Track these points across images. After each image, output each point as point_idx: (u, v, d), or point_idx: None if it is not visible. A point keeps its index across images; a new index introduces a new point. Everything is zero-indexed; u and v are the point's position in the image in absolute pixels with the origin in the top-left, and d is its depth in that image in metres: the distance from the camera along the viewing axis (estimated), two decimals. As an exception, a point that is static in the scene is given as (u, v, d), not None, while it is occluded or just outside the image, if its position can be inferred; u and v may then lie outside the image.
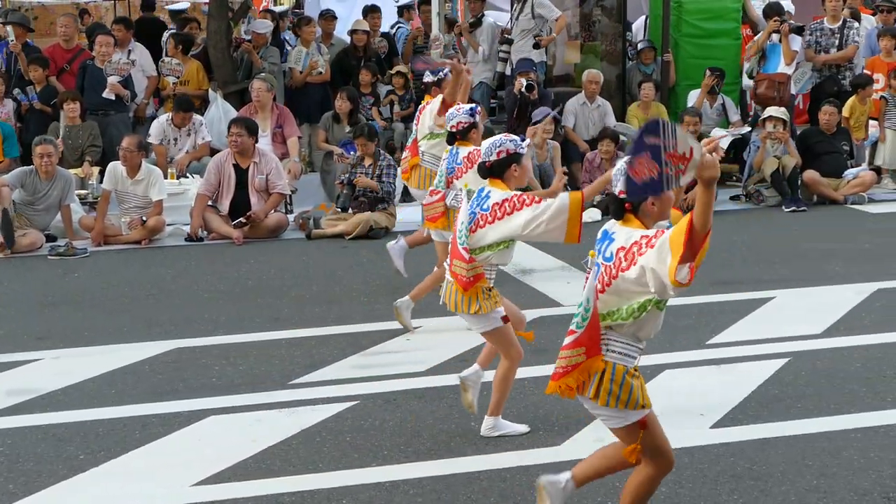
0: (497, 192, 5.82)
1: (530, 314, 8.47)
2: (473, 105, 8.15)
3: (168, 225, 11.57)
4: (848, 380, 6.99)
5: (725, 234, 11.47)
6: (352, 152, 12.27)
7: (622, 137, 13.61)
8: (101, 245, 11.13)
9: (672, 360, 7.40)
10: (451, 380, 7.06)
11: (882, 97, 14.00)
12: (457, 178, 7.76)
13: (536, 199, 5.71)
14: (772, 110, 13.17)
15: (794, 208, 12.44)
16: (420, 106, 9.61)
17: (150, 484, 5.57)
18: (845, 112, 13.84)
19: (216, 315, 8.67)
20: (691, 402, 6.64)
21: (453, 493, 5.44)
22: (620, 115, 14.51)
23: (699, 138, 12.47)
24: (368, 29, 15.41)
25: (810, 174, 12.86)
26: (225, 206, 11.51)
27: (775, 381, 6.97)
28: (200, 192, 11.53)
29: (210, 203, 11.56)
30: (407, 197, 13.02)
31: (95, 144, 12.84)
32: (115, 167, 11.35)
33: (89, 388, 7.01)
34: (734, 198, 13.20)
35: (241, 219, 11.32)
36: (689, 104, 14.23)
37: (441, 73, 9.67)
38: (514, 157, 5.89)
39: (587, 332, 4.47)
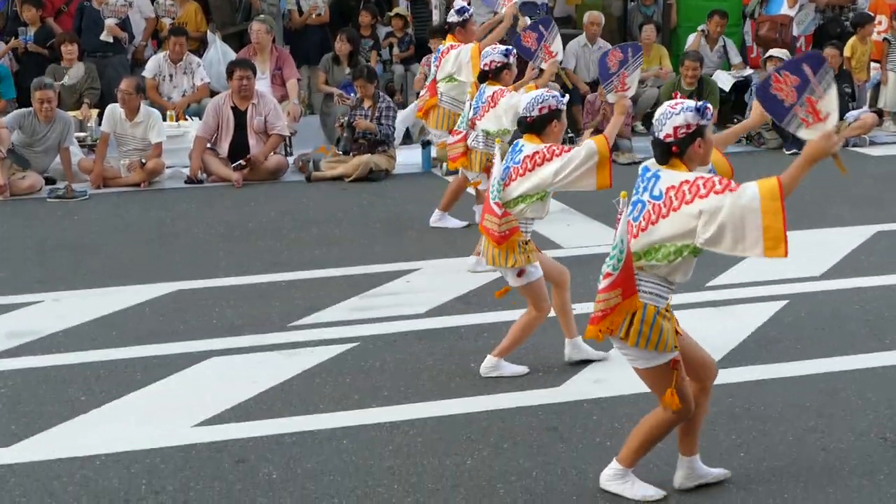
0: (529, 146, 5.89)
1: (530, 256, 8.50)
2: (509, 46, 8.33)
3: (167, 167, 11.54)
4: (846, 321, 7.01)
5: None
6: (352, 94, 12.22)
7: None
8: (101, 188, 11.11)
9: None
10: (450, 321, 7.09)
11: (885, 39, 13.91)
12: (479, 118, 8.02)
13: (566, 149, 5.79)
14: (774, 51, 13.10)
15: (794, 150, 12.38)
16: (442, 48, 9.58)
17: (151, 425, 5.60)
18: (846, 52, 13.76)
19: (216, 257, 8.67)
20: (690, 343, 6.66)
21: (453, 433, 5.47)
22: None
23: (700, 81, 12.44)
24: (367, -30, 15.27)
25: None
26: (224, 148, 11.48)
27: (774, 323, 6.99)
28: (199, 134, 11.49)
29: (209, 145, 11.53)
30: (407, 139, 13.00)
31: (94, 87, 12.78)
32: (114, 109, 11.30)
33: (90, 331, 7.03)
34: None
35: (241, 161, 11.29)
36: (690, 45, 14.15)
37: (466, 14, 9.57)
38: (555, 114, 5.93)
39: (622, 273, 4.45)
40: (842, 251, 8.52)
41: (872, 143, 12.81)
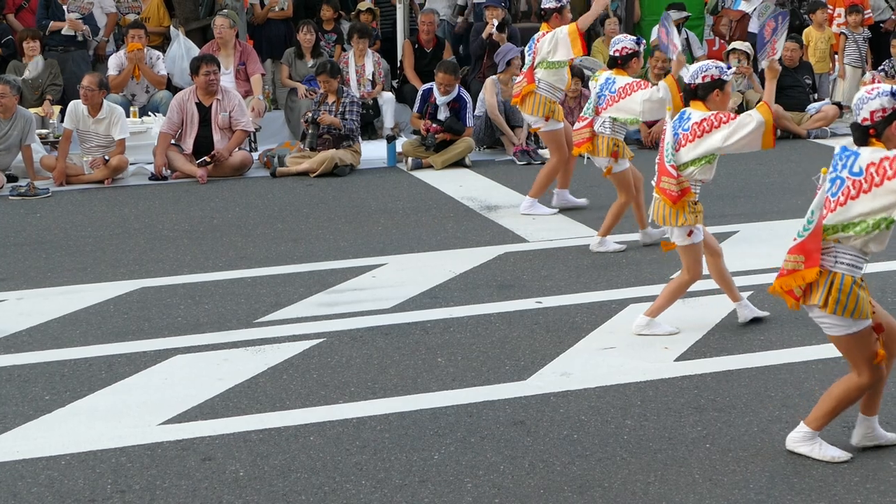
0: (697, 113, 6.32)
1: (495, 250, 8.54)
2: (639, 36, 8.78)
3: (131, 164, 11.46)
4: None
5: (587, 178, 11.49)
6: (316, 88, 12.19)
7: (587, 73, 13.57)
8: (64, 185, 11.02)
9: (638, 294, 7.45)
10: (417, 316, 7.09)
11: (841, 33, 14.04)
12: (607, 107, 8.20)
13: (732, 116, 6.27)
14: (736, 44, 13.19)
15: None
16: (537, 35, 9.64)
17: (117, 423, 5.57)
18: (805, 41, 13.87)
19: (181, 254, 8.63)
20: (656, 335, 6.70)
21: (420, 428, 5.47)
22: (586, 51, 14.44)
23: (665, 73, 12.57)
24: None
25: (774, 108, 12.89)
26: (188, 144, 11.42)
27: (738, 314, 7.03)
28: (163, 130, 11.43)
29: (173, 142, 11.46)
30: (373, 135, 12.99)
31: (56, 83, 12.68)
32: (76, 106, 11.21)
33: (53, 329, 6.97)
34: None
35: (206, 157, 11.24)
36: (652, 39, 14.18)
37: (564, 0, 9.69)
38: (718, 83, 6.34)
39: (808, 240, 4.81)
40: (805, 242, 8.57)
41: (834, 135, 12.91)
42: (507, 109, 12.22)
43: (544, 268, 8.11)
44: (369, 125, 12.98)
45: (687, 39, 14.46)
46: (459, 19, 14.94)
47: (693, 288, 7.51)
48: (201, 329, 6.93)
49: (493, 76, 12.41)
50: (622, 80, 8.19)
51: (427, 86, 12.18)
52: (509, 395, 5.85)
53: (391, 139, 12.10)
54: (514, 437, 5.36)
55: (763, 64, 6.59)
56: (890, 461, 5.03)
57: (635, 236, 8.72)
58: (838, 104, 13.63)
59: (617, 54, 8.29)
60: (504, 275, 7.96)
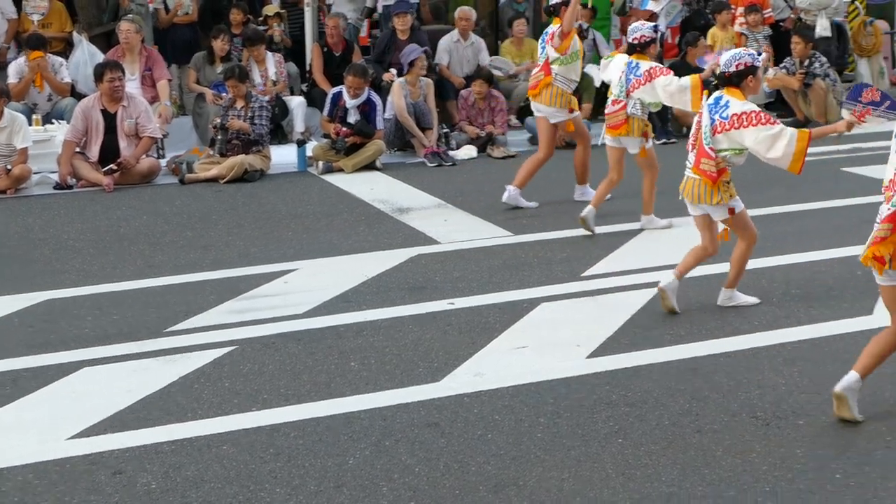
0: (736, 103, 6.66)
1: (407, 252, 8.54)
2: (656, 23, 9.16)
3: (35, 173, 11.26)
4: (716, 306, 7.17)
5: (598, 167, 11.61)
6: (224, 94, 12.09)
7: (497, 73, 13.65)
8: (-35, 196, 10.79)
9: (548, 293, 7.50)
10: (330, 321, 7.06)
11: (742, 33, 14.30)
12: (633, 90, 8.70)
13: (772, 120, 6.63)
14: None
15: (664, 140, 12.64)
16: (550, 30, 9.90)
17: (24, 438, 5.45)
18: (709, 40, 14.10)
19: (87, 264, 8.49)
20: (568, 333, 6.75)
21: (334, 433, 5.45)
22: (494, 52, 14.54)
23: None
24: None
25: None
26: (94, 152, 11.25)
27: (648, 310, 7.12)
28: (67, 138, 11.24)
29: (78, 150, 11.28)
30: (282, 139, 12.91)
31: (-46, 92, 12.39)
32: (-24, 115, 10.98)
33: (-43, 344, 6.82)
34: (608, 131, 13.35)
35: (112, 165, 11.07)
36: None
37: None
38: (750, 70, 6.71)
39: None
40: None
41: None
42: (416, 111, 12.24)
43: (456, 269, 8.13)
44: (279, 129, 12.90)
45: (594, 40, 14.60)
46: (366, 22, 14.95)
47: (603, 285, 7.62)
48: (110, 340, 6.82)
49: (401, 78, 12.42)
50: (645, 63, 8.66)
51: (336, 89, 12.15)
52: (423, 396, 5.85)
53: (301, 143, 12.04)
54: (428, 438, 5.36)
55: (844, 113, 7.04)
56: (797, 449, 5.12)
57: (572, 232, 8.82)
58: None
59: (635, 42, 8.77)
60: (416, 277, 7.96)
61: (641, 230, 9.02)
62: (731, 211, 6.93)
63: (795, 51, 13.96)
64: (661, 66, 8.87)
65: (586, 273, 7.94)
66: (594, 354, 6.41)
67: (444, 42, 13.84)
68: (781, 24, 15.59)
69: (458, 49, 13.89)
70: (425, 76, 12.53)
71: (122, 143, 11.24)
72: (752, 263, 8.00)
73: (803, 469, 4.95)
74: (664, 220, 9.05)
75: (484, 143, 12.44)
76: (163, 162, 11.84)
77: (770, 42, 15.00)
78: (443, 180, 11.17)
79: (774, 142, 6.55)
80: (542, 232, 8.93)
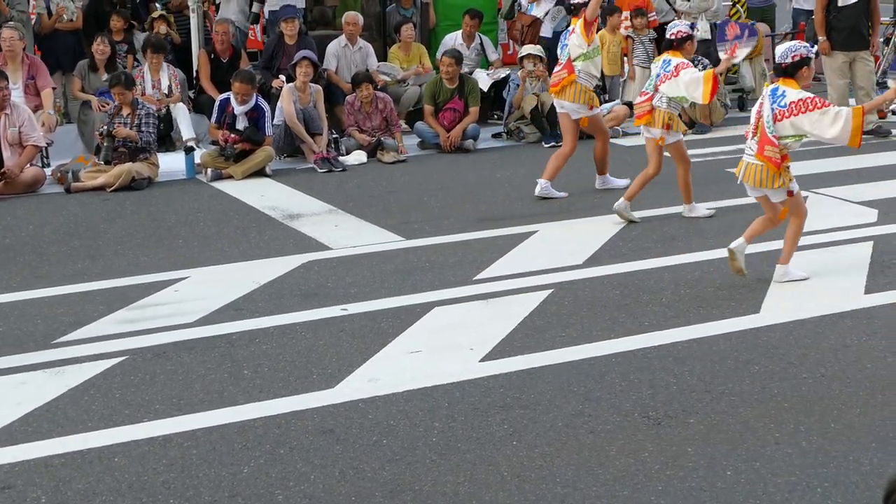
0: (792, 92, 7.22)
1: (299, 259, 8.51)
2: (695, 22, 9.91)
3: (-87, 184, 10.94)
4: (608, 307, 7.29)
5: (487, 171, 11.72)
6: (110, 101, 11.88)
7: (384, 78, 13.67)
8: None
9: (441, 297, 7.54)
10: (221, 329, 7.00)
11: (628, 36, 14.54)
12: (662, 83, 9.20)
13: (826, 103, 7.23)
14: (528, 48, 13.48)
15: (553, 144, 12.77)
16: (570, 28, 10.41)
17: None
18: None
19: (-29, 276, 8.28)
20: (461, 336, 6.79)
21: (228, 442, 5.40)
22: (382, 57, 14.55)
23: (461, 80, 13.09)
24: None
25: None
26: (-25, 162, 10.97)
27: (540, 312, 7.20)
28: (-53, 148, 10.95)
29: (-42, 159, 10.99)
30: (170, 147, 12.73)
31: None
32: None
33: None
34: (496, 135, 13.48)
35: (-6, 174, 10.82)
36: (448, 44, 14.36)
37: None
38: (805, 61, 7.30)
39: None
40: (601, 239, 8.85)
41: (625, 134, 13.33)
42: (306, 117, 12.18)
43: (349, 274, 8.12)
44: (167, 137, 12.72)
45: (482, 44, 14.71)
46: (259, 27, 14.84)
47: (495, 288, 7.69)
48: (-5, 353, 6.67)
49: (290, 84, 12.35)
50: (675, 60, 9.20)
51: (224, 96, 12.03)
52: (317, 403, 5.83)
53: (189, 150, 11.89)
54: (323, 445, 5.35)
55: (720, 55, 7.47)
56: (688, 448, 5.23)
57: (464, 236, 8.85)
58: (629, 104, 14.08)
59: (672, 37, 9.38)
60: (308, 283, 7.94)
61: (532, 233, 9.11)
62: (791, 193, 7.43)
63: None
64: (690, 62, 9.33)
65: (478, 276, 8.00)
66: (487, 357, 6.46)
67: (332, 47, 13.80)
68: (666, 27, 15.85)
69: (347, 54, 13.86)
70: (314, 83, 12.48)
71: (6, 153, 10.98)
72: (642, 264, 8.18)
73: (695, 467, 5.06)
74: (708, 210, 9.54)
75: (374, 148, 12.44)
76: (48, 171, 11.60)
77: (655, 45, 15.27)
78: (333, 186, 11.14)
79: (833, 122, 7.12)
80: (434, 236, 8.97)
